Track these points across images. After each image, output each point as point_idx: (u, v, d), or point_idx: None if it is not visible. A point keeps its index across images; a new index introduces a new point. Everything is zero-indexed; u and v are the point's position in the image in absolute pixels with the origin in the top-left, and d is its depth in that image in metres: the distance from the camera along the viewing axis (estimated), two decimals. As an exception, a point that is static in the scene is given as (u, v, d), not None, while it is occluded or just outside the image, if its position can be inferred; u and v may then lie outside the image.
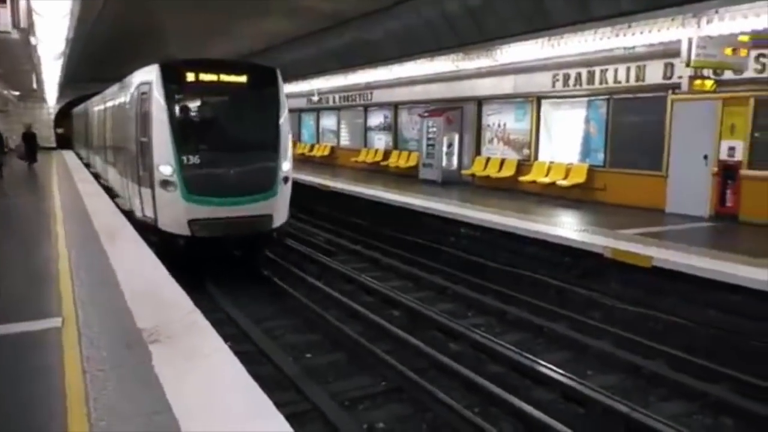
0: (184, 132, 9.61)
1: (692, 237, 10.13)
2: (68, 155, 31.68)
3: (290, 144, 10.79)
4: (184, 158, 9.37)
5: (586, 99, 15.13)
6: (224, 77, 9.93)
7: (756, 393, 6.13)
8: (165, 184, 9.40)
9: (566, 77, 15.24)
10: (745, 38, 10.70)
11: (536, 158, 16.53)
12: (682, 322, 7.89)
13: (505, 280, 10.17)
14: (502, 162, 17.47)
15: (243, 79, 10.12)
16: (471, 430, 5.36)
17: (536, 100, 16.48)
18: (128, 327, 4.79)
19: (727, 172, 11.66)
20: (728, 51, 10.68)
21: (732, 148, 11.60)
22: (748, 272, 7.68)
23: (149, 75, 9.93)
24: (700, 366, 6.74)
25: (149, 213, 9.85)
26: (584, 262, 9.61)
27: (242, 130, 10.21)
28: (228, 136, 10.07)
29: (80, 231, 9.27)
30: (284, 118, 10.41)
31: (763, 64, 11.15)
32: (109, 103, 15.21)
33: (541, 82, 15.94)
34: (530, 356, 6.90)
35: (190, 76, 9.74)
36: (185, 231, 9.41)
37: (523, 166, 16.79)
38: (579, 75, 14.88)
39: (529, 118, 16.79)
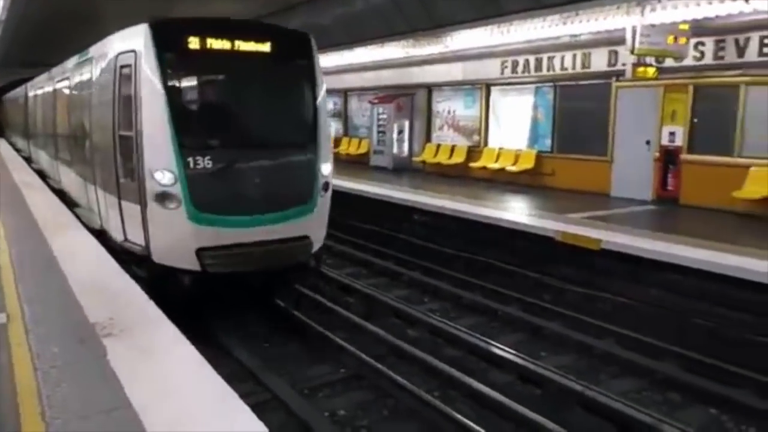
0: (188, 123, 6.94)
1: (637, 220, 10.47)
2: (1, 143, 30.24)
3: (330, 137, 8.09)
4: (190, 160, 6.66)
5: (533, 86, 15.38)
6: (242, 44, 7.16)
7: (699, 368, 6.40)
8: (162, 198, 6.65)
9: (514, 64, 15.45)
10: (685, 26, 11.08)
11: (486, 144, 16.73)
12: (630, 302, 8.17)
13: (459, 265, 10.28)
14: (453, 148, 17.61)
15: (266, 47, 7.32)
16: (431, 413, 5.43)
17: (485, 86, 16.66)
18: (79, 321, 4.61)
19: (669, 157, 12.08)
20: (670, 39, 11.04)
21: (673, 134, 12.02)
22: (687, 252, 8.01)
23: (134, 40, 7.02)
24: (648, 344, 6.99)
25: (136, 238, 7.12)
26: (536, 246, 9.81)
27: (268, 119, 7.57)
28: (249, 128, 7.49)
29: (19, 223, 8.85)
30: (322, 101, 7.77)
31: (702, 52, 11.57)
32: (63, 84, 11.80)
33: (489, 69, 16.11)
34: (486, 339, 7.02)
35: (194, 42, 6.89)
36: (192, 264, 6.77)
37: (473, 152, 16.97)
38: (527, 62, 15.11)
39: (479, 105, 16.96)
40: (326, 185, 7.63)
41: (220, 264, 6.83)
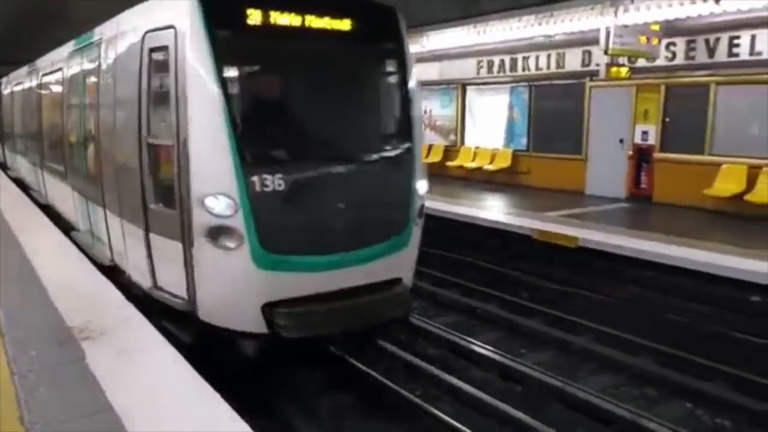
0: (253, 128, 5.14)
1: (612, 218, 10.63)
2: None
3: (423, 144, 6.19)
4: (256, 180, 4.86)
5: (509, 85, 15.52)
6: (314, 21, 5.34)
7: (675, 363, 6.51)
8: (217, 233, 4.85)
9: (490, 64, 15.58)
10: (656, 27, 11.29)
11: (462, 144, 16.85)
12: (607, 298, 8.29)
13: (437, 264, 10.31)
14: (430, 148, 17.66)
15: (346, 24, 5.50)
16: (413, 412, 5.45)
17: (461, 86, 16.76)
18: (56, 324, 4.54)
19: (642, 155, 12.29)
20: (642, 40, 11.25)
21: (645, 133, 12.22)
22: (661, 249, 8.17)
23: (173, 12, 5.12)
24: (625, 340, 7.09)
25: (174, 286, 5.32)
26: (514, 244, 9.90)
27: (354, 122, 5.79)
28: (331, 135, 5.59)
29: (-10, 224, 8.66)
30: (415, 97, 5.95)
31: (673, 53, 11.81)
32: (54, 77, 9.62)
33: (466, 68, 16.22)
34: (465, 337, 7.07)
35: (257, 16, 5.06)
36: (257, 326, 5.03)
37: (450, 151, 17.06)
38: (502, 62, 15.25)
39: (455, 105, 17.07)
40: (421, 209, 5.93)
41: (298, 326, 5.06)
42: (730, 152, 10.79)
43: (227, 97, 4.85)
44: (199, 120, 4.87)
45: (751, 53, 10.77)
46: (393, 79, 6.02)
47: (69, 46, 8.63)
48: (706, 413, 5.65)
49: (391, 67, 6.04)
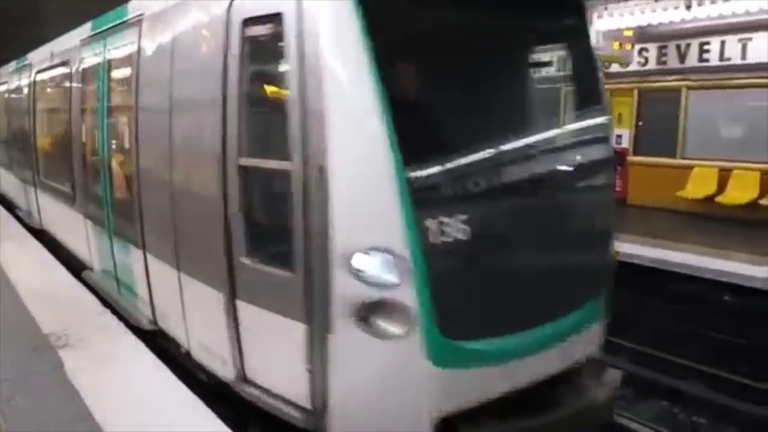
0: (426, 147, 3.18)
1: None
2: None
3: None
4: (431, 226, 3.03)
5: (485, 90, 15.61)
6: None
7: (655, 363, 6.62)
8: (372, 312, 2.99)
9: (467, 68, 15.67)
10: (630, 33, 11.49)
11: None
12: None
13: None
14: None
15: None
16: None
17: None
18: (32, 332, 4.46)
19: (616, 159, 12.43)
20: (616, 45, 11.43)
21: (619, 136, 12.39)
22: (636, 250, 8.28)
23: None
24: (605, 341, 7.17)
25: (284, 387, 3.38)
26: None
27: (549, 132, 4.13)
28: (523, 154, 3.67)
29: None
30: (603, 87, 4.40)
31: (646, 58, 12.02)
32: (54, 73, 7.77)
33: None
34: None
35: None
36: None
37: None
38: (479, 66, 15.34)
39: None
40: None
41: None
42: (702, 155, 10.98)
43: (388, 100, 3.01)
44: (345, 134, 3.06)
45: (721, 59, 11.01)
46: (584, 67, 4.26)
47: (81, 32, 6.59)
48: (683, 411, 5.74)
49: (580, 51, 4.23)
